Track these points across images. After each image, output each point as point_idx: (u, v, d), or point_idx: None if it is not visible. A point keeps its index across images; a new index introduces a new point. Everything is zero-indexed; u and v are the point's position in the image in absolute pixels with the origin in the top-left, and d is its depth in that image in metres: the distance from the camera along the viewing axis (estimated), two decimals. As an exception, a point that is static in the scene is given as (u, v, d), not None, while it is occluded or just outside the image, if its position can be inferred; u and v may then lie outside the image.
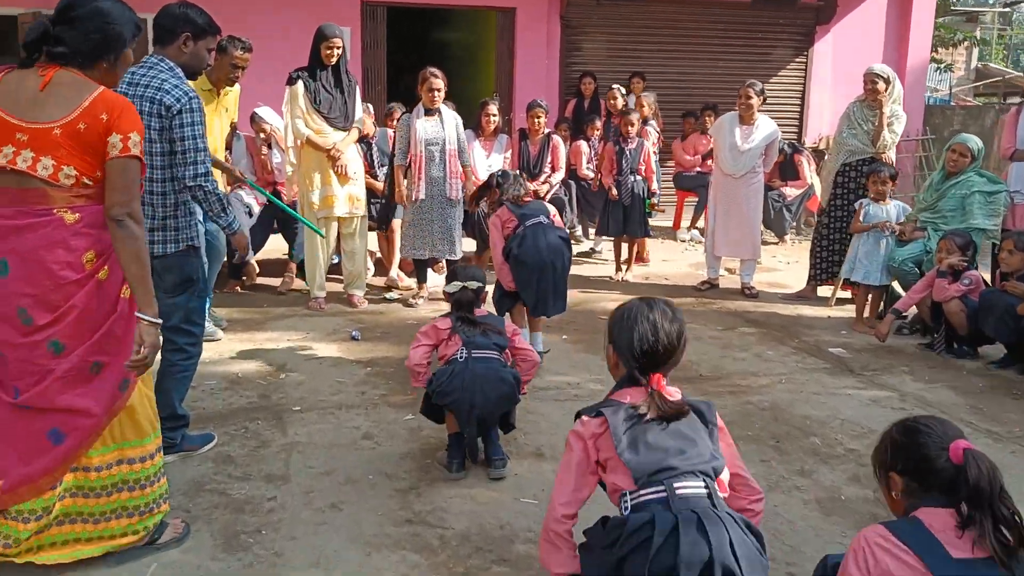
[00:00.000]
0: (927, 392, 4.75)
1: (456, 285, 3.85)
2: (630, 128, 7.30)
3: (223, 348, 5.27)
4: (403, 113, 6.64)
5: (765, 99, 6.94)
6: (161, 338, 2.74)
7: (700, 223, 9.63)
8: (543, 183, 7.66)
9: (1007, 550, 1.81)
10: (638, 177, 7.33)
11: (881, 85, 6.36)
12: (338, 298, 6.45)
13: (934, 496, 1.89)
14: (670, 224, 10.04)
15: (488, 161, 7.57)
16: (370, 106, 7.52)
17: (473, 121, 7.59)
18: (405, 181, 6.31)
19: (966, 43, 16.73)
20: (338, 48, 5.98)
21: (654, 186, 7.42)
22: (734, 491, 2.30)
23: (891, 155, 6.49)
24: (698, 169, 9.71)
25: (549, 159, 7.74)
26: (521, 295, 4.93)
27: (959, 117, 12.03)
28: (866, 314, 6.14)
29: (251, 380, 4.73)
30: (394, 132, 6.67)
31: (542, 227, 4.88)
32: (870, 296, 6.17)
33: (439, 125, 6.36)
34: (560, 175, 7.79)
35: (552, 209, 5.18)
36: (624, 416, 2.21)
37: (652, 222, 7.68)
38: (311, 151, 6.06)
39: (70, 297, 2.55)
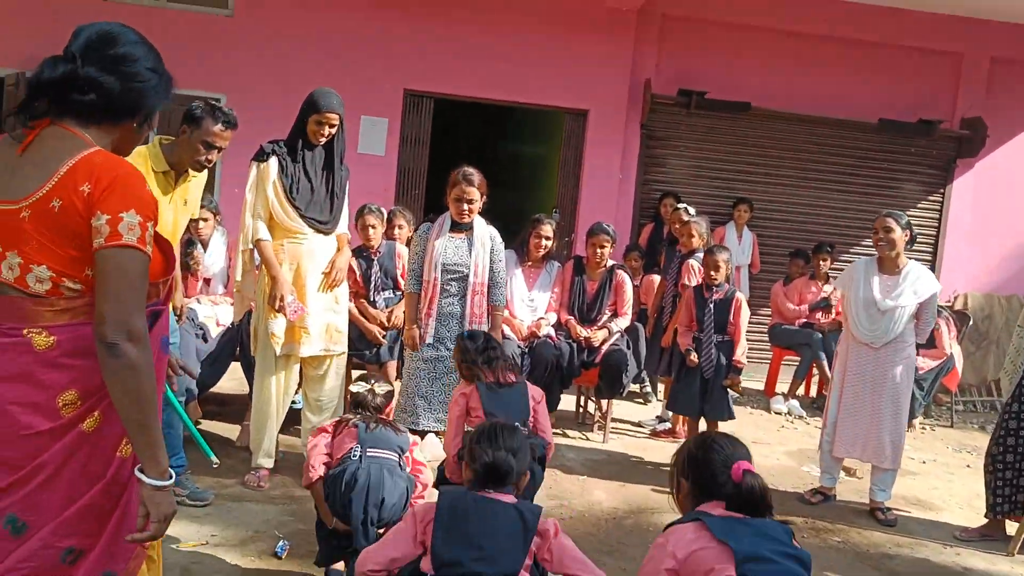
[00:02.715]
0: None
1: (363, 385, 3.55)
2: (714, 274, 5.36)
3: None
4: (423, 223, 4.90)
5: (914, 238, 4.95)
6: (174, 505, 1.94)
7: (802, 390, 7.56)
8: (600, 328, 5.73)
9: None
10: (725, 337, 5.35)
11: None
12: (293, 464, 4.56)
13: (712, 503, 2.21)
14: (760, 387, 7.96)
15: (530, 295, 5.75)
16: (383, 209, 5.81)
17: (519, 241, 5.83)
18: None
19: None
20: (333, 126, 4.31)
21: (739, 354, 5.34)
22: None
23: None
24: (804, 320, 7.70)
25: (611, 300, 5.82)
26: None
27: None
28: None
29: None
30: (409, 247, 4.97)
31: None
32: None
33: (466, 246, 4.64)
34: (625, 321, 5.84)
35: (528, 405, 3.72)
36: (453, 500, 2.47)
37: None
38: (278, 255, 4.32)
39: (38, 454, 1.80)
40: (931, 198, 8.88)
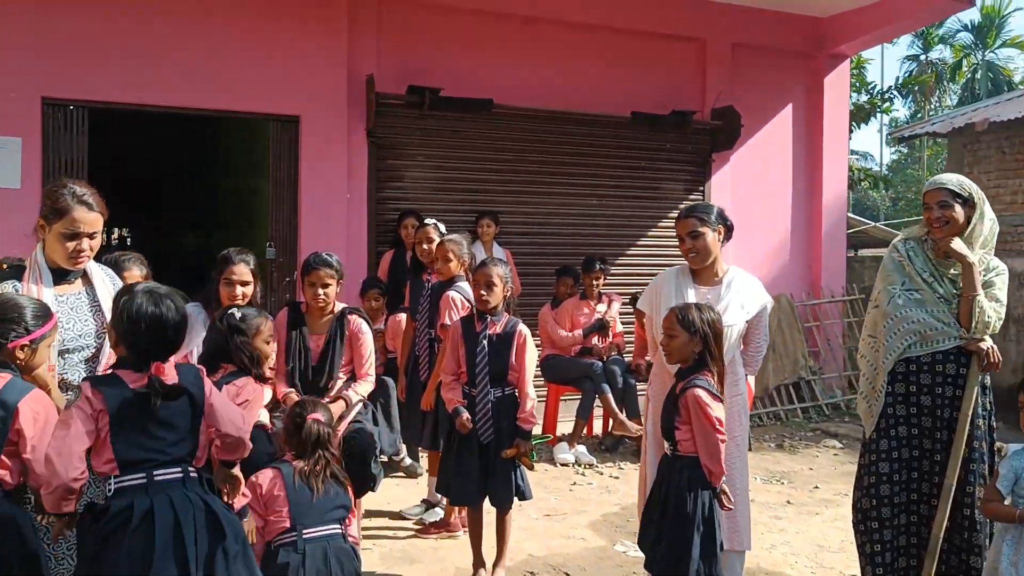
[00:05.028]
0: None
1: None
2: (486, 294, 3.96)
3: None
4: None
5: (730, 231, 3.79)
6: None
7: (603, 431, 6.40)
8: (334, 400, 4.13)
9: None
10: (507, 389, 3.97)
11: (959, 210, 3.41)
12: None
13: None
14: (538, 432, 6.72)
15: (229, 365, 4.02)
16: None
17: (204, 293, 4.11)
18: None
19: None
20: None
21: (527, 409, 3.94)
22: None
23: (988, 342, 3.44)
24: (580, 347, 6.59)
25: (345, 358, 4.24)
26: None
27: (868, 271, 9.63)
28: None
29: None
30: None
31: None
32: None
33: (85, 303, 2.92)
34: (368, 385, 4.28)
35: None
36: (123, 400, 2.43)
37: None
38: None
39: None
40: (692, 196, 8.13)
